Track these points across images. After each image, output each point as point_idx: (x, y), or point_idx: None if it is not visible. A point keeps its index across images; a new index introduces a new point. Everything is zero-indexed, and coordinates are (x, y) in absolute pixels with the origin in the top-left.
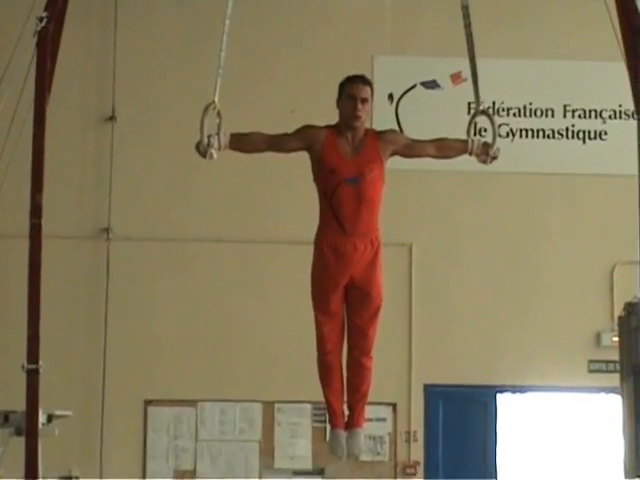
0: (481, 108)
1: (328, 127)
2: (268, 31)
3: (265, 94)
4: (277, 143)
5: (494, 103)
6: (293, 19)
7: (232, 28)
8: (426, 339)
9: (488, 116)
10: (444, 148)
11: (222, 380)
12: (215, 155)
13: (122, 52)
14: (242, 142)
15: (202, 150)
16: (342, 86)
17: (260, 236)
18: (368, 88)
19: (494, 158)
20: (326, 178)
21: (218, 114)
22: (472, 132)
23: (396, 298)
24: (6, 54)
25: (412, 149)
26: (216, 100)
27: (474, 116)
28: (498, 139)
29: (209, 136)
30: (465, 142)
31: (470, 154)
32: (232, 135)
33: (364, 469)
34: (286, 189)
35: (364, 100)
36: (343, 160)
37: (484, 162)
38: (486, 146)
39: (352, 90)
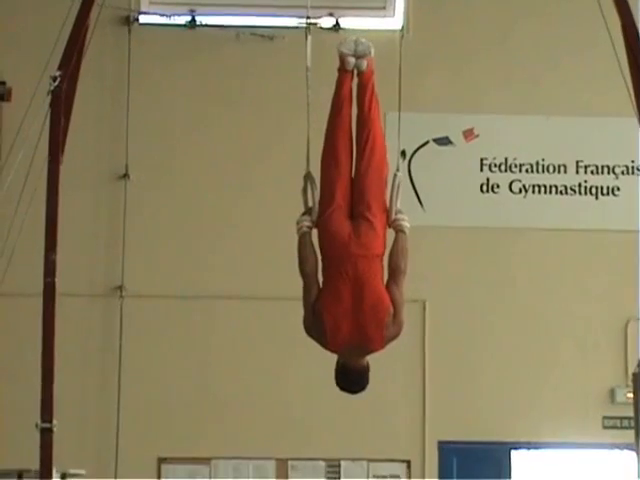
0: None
1: None
2: (281, 88)
3: (280, 150)
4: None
5: (506, 159)
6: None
7: (247, 90)
8: (440, 396)
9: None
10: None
11: (235, 437)
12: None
13: (135, 110)
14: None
15: (304, 225)
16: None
17: (273, 293)
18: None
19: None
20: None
21: (313, 185)
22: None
23: (410, 355)
24: (20, 113)
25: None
26: (311, 171)
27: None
28: (510, 194)
29: (310, 208)
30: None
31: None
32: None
33: None
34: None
35: None
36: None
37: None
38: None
39: None
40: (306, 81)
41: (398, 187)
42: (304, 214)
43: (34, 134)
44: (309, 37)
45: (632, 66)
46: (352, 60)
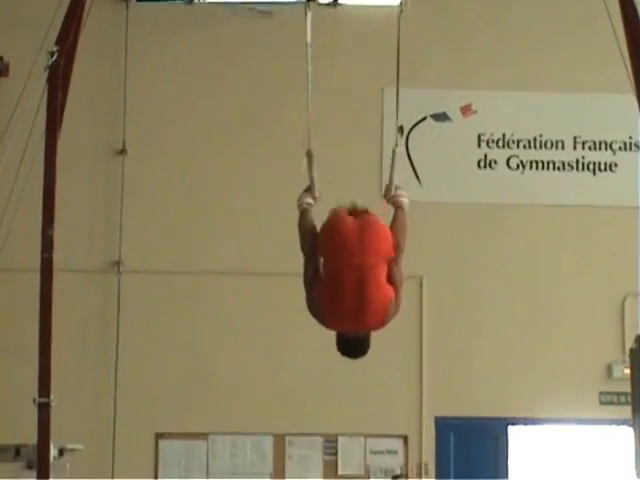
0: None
1: None
2: (279, 64)
3: (277, 127)
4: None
5: (504, 135)
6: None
7: (244, 66)
8: (437, 371)
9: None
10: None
11: (233, 413)
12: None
13: (132, 86)
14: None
15: (304, 202)
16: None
17: (271, 268)
18: None
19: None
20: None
21: (312, 161)
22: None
23: (407, 331)
24: (17, 88)
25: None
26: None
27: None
28: (507, 170)
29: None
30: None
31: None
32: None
33: None
34: (295, 222)
35: None
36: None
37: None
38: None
39: None
40: (306, 57)
41: (400, 161)
42: (305, 191)
43: (32, 109)
44: (309, 13)
45: (630, 43)
46: None
